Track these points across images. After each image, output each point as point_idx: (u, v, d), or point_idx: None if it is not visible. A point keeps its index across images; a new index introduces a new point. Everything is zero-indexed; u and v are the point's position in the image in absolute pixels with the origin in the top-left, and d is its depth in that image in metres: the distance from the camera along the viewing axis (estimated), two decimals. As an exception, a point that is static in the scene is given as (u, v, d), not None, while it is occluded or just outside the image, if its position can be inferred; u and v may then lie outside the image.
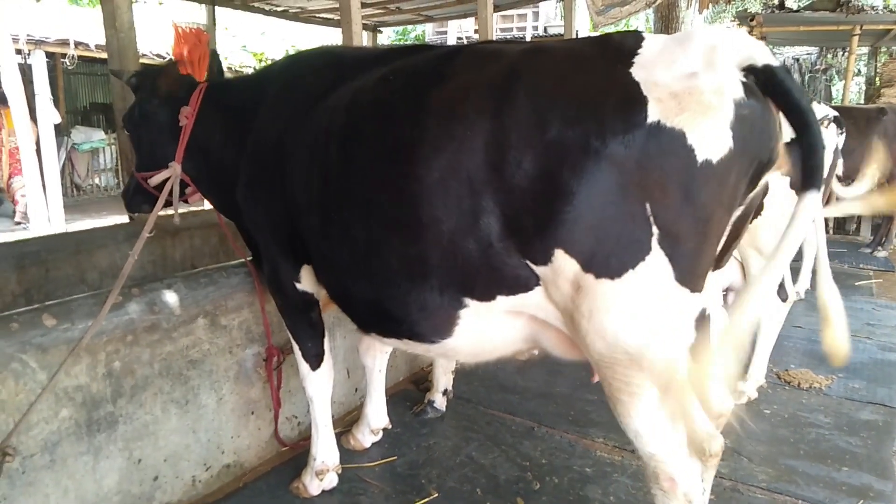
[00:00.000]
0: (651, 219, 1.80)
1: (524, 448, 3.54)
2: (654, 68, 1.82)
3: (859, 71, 14.40)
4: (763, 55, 1.82)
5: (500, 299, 2.13)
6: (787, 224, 1.79)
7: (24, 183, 10.86)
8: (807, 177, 1.78)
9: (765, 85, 1.82)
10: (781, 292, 4.03)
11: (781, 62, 2.14)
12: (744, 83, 1.79)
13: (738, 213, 2.01)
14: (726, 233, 2.01)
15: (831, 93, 14.82)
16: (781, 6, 10.89)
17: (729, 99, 1.76)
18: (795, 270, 4.24)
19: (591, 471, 3.32)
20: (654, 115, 1.76)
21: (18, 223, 11.25)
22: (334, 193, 2.36)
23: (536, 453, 3.49)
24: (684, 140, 1.75)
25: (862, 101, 12.63)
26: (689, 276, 1.88)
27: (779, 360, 4.62)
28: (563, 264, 1.91)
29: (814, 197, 1.75)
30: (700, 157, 1.75)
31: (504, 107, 1.94)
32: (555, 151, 1.85)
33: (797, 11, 10.89)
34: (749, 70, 1.82)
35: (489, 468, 3.35)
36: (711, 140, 1.75)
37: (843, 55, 13.94)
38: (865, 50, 12.78)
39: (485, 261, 2.04)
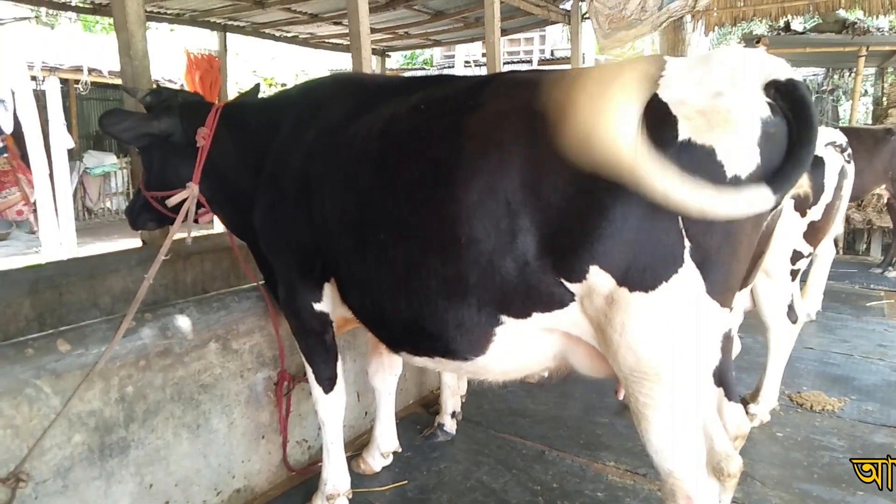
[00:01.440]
0: (683, 232, 1.85)
1: (535, 472, 3.52)
2: (680, 88, 1.89)
3: (866, 91, 14.41)
4: (784, 70, 1.88)
5: (536, 316, 2.16)
6: None
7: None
8: (778, 175, 1.80)
9: (784, 97, 1.86)
10: (791, 314, 4.02)
11: (802, 80, 2.27)
12: (769, 102, 1.85)
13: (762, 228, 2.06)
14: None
15: (838, 113, 14.81)
16: (787, 28, 10.93)
17: (756, 117, 1.82)
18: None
19: (602, 495, 3.29)
20: (684, 132, 1.82)
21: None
22: (371, 217, 2.42)
23: (548, 477, 3.47)
24: (714, 156, 1.81)
25: (869, 122, 12.62)
26: (720, 289, 1.93)
27: (791, 383, 4.59)
28: (599, 280, 1.95)
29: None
30: (729, 173, 1.81)
31: (539, 131, 2.01)
32: (590, 172, 1.90)
33: (803, 33, 10.93)
34: (771, 85, 1.86)
35: (500, 492, 3.33)
36: (740, 156, 1.81)
37: (849, 76, 13.94)
38: (872, 70, 12.80)
39: (522, 279, 2.09)
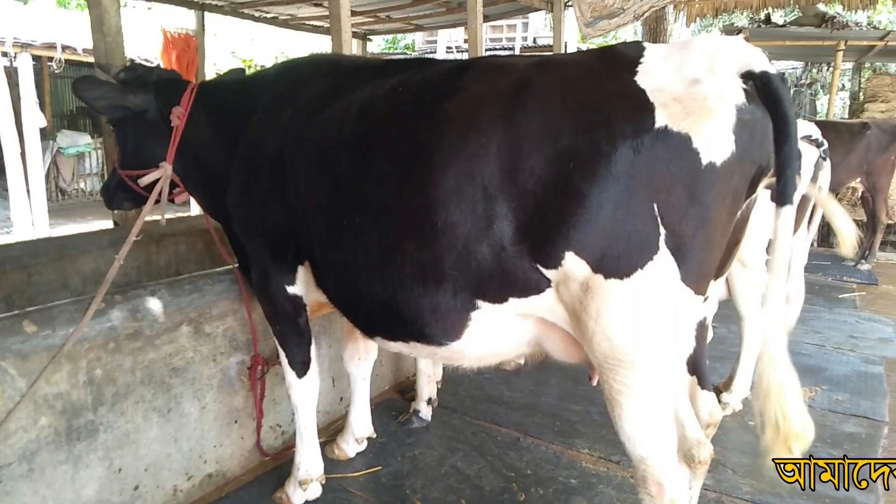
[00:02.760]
0: (659, 219, 1.85)
1: (509, 459, 3.53)
2: (657, 75, 1.89)
3: (844, 86, 14.58)
4: (760, 62, 1.89)
5: (512, 302, 2.15)
6: (773, 239, 1.92)
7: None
8: (780, 190, 1.88)
9: (760, 91, 1.88)
10: (766, 304, 4.04)
11: (777, 72, 2.26)
12: (744, 89, 1.86)
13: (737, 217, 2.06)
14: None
15: (816, 107, 14.97)
16: (768, 21, 11.02)
17: (731, 104, 1.82)
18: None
19: (576, 482, 3.31)
20: (661, 119, 1.82)
21: None
22: (346, 199, 2.38)
23: (522, 464, 3.48)
24: (690, 143, 1.81)
25: (846, 116, 12.77)
26: (695, 276, 1.93)
27: (763, 372, 4.63)
28: (574, 266, 1.95)
29: (787, 211, 1.87)
30: (705, 160, 1.82)
31: (517, 117, 2.00)
32: (567, 158, 1.90)
33: (783, 26, 11.01)
34: (747, 76, 1.88)
35: (474, 479, 3.34)
36: (715, 143, 1.82)
37: (827, 70, 14.09)
38: (850, 65, 12.95)
39: (497, 264, 2.08)
